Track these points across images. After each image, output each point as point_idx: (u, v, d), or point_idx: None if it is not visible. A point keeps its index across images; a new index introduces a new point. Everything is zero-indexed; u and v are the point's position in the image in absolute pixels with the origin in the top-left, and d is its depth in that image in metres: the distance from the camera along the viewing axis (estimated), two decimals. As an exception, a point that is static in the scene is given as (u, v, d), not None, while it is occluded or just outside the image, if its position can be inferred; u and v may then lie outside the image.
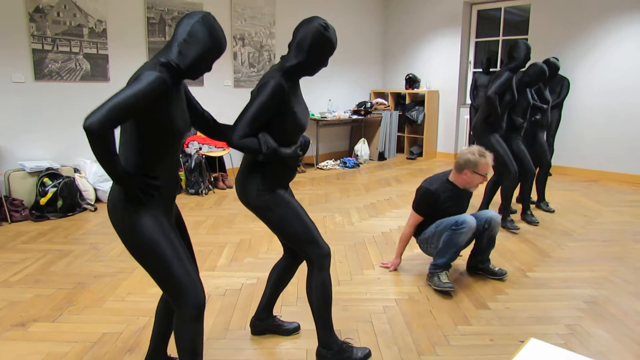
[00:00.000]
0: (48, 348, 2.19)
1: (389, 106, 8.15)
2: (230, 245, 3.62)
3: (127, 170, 1.51)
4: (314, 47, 1.88)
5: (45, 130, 4.62)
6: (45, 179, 4.34)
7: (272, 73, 1.90)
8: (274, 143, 1.87)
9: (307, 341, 2.27)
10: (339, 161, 7.23)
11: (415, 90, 7.96)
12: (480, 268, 3.11)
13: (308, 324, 2.42)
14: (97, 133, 1.35)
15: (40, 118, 4.57)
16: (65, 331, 2.34)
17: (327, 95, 7.33)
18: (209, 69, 1.65)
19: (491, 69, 7.39)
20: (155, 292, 2.77)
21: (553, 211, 4.68)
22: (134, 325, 2.40)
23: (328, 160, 7.21)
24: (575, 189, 5.72)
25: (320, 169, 6.95)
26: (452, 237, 2.80)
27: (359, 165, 7.22)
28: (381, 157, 7.84)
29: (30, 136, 4.53)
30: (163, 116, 1.53)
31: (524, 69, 4.17)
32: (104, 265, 3.17)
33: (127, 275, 3.03)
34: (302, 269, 3.09)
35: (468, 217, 2.82)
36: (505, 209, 4.11)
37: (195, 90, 5.77)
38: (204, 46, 1.59)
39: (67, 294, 2.74)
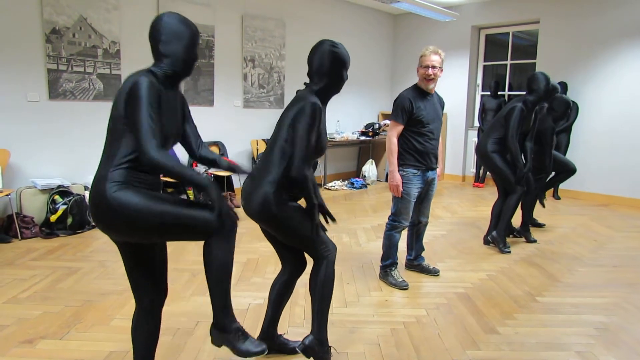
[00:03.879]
0: (55, 366, 2.19)
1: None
2: (238, 265, 3.61)
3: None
4: (332, 68, 2.03)
5: (58, 148, 4.70)
6: (56, 197, 4.39)
7: (304, 95, 2.00)
8: (320, 197, 2.04)
9: (314, 364, 2.25)
10: (346, 182, 7.24)
11: (423, 112, 8.00)
12: (415, 265, 3.50)
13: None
14: (160, 158, 1.47)
15: (53, 136, 4.65)
16: (72, 349, 2.34)
17: (335, 116, 7.39)
18: (196, 57, 1.72)
19: (499, 92, 7.43)
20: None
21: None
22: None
23: (336, 181, 7.23)
24: (585, 214, 5.68)
25: (328, 189, 6.97)
26: (392, 238, 3.25)
27: (366, 186, 7.22)
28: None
29: (42, 154, 4.60)
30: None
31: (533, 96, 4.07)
32: (112, 283, 3.18)
33: (135, 294, 3.03)
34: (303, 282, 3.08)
35: (409, 219, 3.23)
36: (500, 228, 4.06)
37: (205, 111, 5.85)
38: (185, 36, 1.66)
39: (74, 311, 2.75)
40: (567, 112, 4.35)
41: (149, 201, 1.57)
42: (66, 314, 2.70)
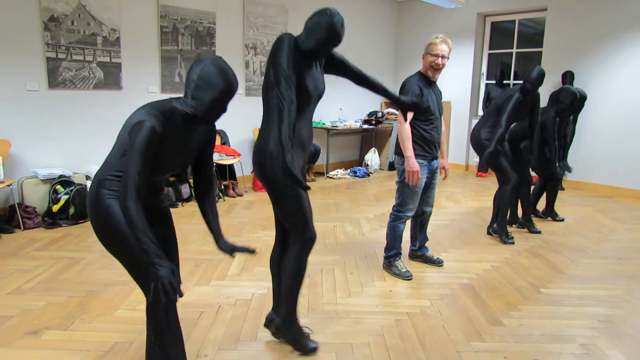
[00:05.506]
0: (60, 357, 2.19)
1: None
2: (241, 254, 3.61)
3: None
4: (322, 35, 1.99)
5: (58, 137, 4.67)
6: (58, 186, 4.37)
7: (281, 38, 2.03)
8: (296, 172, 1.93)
9: (319, 354, 2.25)
10: (349, 170, 7.22)
11: (426, 101, 7.94)
12: (419, 255, 3.49)
13: (320, 336, 2.39)
14: (132, 211, 1.49)
15: (53, 126, 4.62)
16: (77, 340, 2.34)
17: (338, 104, 7.33)
18: (224, 109, 1.69)
19: (505, 81, 7.36)
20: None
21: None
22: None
23: (338, 170, 7.20)
24: (589, 205, 5.66)
25: (331, 177, 6.94)
26: (396, 229, 3.23)
27: (369, 175, 7.20)
28: (391, 167, 7.82)
29: (43, 144, 4.57)
30: (153, 157, 1.60)
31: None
32: (115, 273, 3.17)
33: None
34: (311, 268, 3.08)
35: (415, 208, 3.19)
36: (500, 219, 4.04)
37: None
38: (217, 89, 1.62)
39: (78, 302, 2.75)
40: (573, 104, 4.25)
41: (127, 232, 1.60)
42: (70, 305, 2.70)
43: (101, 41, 4.87)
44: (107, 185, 1.66)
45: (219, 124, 5.94)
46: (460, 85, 7.71)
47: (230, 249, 1.88)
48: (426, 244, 3.55)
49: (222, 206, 5.12)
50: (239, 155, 5.78)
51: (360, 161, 7.99)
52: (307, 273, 2.26)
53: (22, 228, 4.14)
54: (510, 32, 7.46)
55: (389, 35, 8.44)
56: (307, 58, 2.04)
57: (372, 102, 8.26)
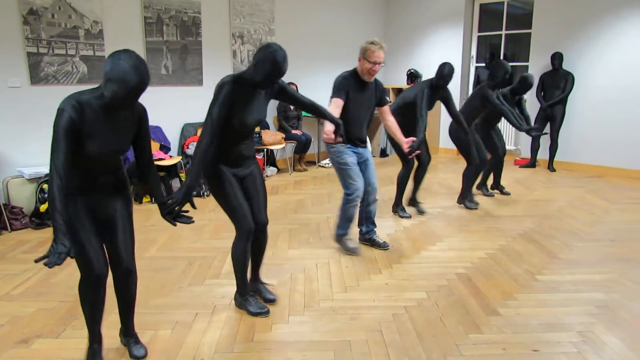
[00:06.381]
0: (52, 366, 2.14)
1: (390, 102, 8.07)
2: (234, 251, 3.56)
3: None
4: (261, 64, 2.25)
5: (43, 135, 4.54)
6: (45, 185, 4.27)
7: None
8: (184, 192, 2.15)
9: (317, 354, 2.23)
10: (340, 159, 7.15)
11: (417, 86, 7.88)
12: (367, 239, 3.65)
13: (317, 335, 2.37)
14: (51, 185, 1.70)
15: (37, 123, 4.49)
16: (69, 347, 2.29)
17: (327, 93, 7.22)
18: (134, 100, 1.80)
19: (493, 64, 7.31)
20: (157, 304, 2.72)
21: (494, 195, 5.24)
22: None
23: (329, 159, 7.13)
24: (581, 185, 5.67)
25: (322, 167, 6.89)
26: (346, 211, 3.39)
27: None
28: (383, 153, 7.78)
29: (28, 142, 4.46)
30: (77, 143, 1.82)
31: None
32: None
33: (131, 285, 2.98)
34: (302, 267, 3.05)
35: (359, 186, 3.32)
36: (464, 192, 4.72)
37: (194, 91, 5.70)
38: (123, 84, 1.73)
39: (69, 307, 2.69)
40: (505, 77, 4.41)
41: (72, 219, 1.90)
42: (61, 311, 2.65)
43: (83, 34, 4.73)
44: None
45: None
46: (450, 69, 7.63)
47: (173, 218, 2.09)
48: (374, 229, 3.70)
49: (213, 200, 5.03)
50: (229, 147, 5.69)
51: (351, 148, 7.92)
52: (246, 260, 2.56)
53: (9, 229, 4.05)
54: (499, 14, 7.39)
55: (377, 21, 8.31)
56: (254, 87, 2.33)
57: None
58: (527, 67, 6.99)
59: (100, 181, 1.97)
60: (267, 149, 6.03)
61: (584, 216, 4.43)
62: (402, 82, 8.21)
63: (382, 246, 3.60)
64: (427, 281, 3.03)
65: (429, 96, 4.01)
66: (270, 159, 6.46)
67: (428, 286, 2.95)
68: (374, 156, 7.62)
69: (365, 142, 3.46)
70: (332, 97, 3.24)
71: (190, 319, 2.55)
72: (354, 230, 3.64)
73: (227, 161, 2.42)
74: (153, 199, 2.15)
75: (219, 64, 5.95)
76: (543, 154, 6.73)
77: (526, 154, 7.05)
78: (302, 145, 6.46)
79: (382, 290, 2.91)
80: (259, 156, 5.99)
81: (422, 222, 4.26)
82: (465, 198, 4.74)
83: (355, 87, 3.23)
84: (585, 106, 6.44)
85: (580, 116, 6.50)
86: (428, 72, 7.91)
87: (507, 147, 7.33)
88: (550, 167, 6.56)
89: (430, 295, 2.83)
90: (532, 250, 3.55)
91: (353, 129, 3.32)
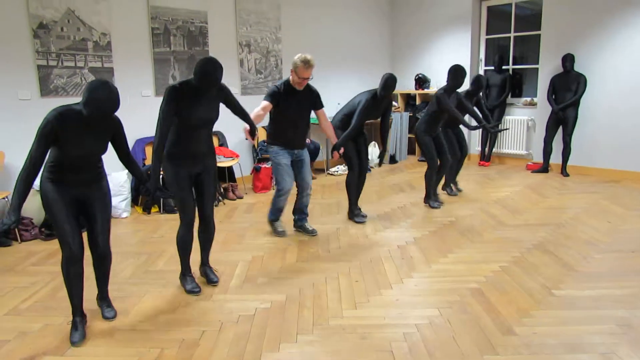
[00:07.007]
0: (57, 389, 2.11)
1: (399, 108, 8.01)
2: (243, 264, 3.52)
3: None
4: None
5: (53, 146, 4.56)
6: (54, 197, 4.28)
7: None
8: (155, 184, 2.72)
9: (326, 376, 2.17)
10: (350, 166, 7.09)
11: (426, 91, 7.80)
12: (299, 225, 4.18)
13: (326, 356, 2.31)
14: (19, 179, 2.20)
15: (47, 135, 4.50)
16: (74, 368, 2.26)
17: (335, 99, 7.19)
18: (108, 116, 2.31)
19: (503, 67, 7.21)
20: (164, 320, 2.69)
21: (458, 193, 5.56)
22: (146, 358, 2.31)
23: (339, 166, 7.09)
24: (596, 191, 5.54)
25: (331, 174, 6.84)
26: (276, 202, 4.00)
27: (369, 170, 7.08)
28: (392, 160, 7.71)
29: (37, 153, 4.46)
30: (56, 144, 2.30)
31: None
32: (114, 289, 3.08)
33: (138, 300, 2.95)
34: (310, 282, 2.99)
35: (287, 184, 3.86)
36: (428, 193, 5.03)
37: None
38: (94, 107, 2.22)
39: (76, 324, 2.66)
40: (456, 78, 4.67)
41: (53, 202, 2.37)
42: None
43: (92, 46, 4.74)
44: (45, 171, 2.38)
45: (216, 125, 5.81)
46: (460, 74, 7.54)
47: (152, 198, 2.74)
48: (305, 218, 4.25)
49: (222, 210, 5.03)
50: (237, 156, 5.68)
51: (361, 155, 7.86)
52: (185, 245, 3.03)
53: (19, 240, 4.06)
54: (507, 16, 7.28)
55: (384, 26, 8.26)
56: (198, 90, 2.76)
57: (371, 94, 8.10)
58: (537, 69, 6.87)
59: (81, 176, 2.43)
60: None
61: (600, 224, 4.31)
62: (411, 88, 8.13)
63: (311, 232, 4.11)
64: (439, 297, 2.95)
65: (371, 106, 4.26)
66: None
67: (440, 302, 2.87)
68: (384, 163, 7.56)
69: (303, 145, 3.97)
70: (263, 99, 3.74)
71: (197, 337, 2.51)
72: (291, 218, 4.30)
73: (180, 156, 2.82)
74: (142, 189, 2.96)
75: (227, 72, 5.92)
76: (556, 158, 6.60)
77: (538, 158, 6.92)
78: (311, 153, 6.42)
79: (393, 306, 2.83)
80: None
81: (432, 233, 4.18)
82: (430, 198, 5.02)
83: (286, 94, 3.73)
84: (599, 108, 6.30)
85: (593, 119, 6.36)
86: (436, 77, 7.83)
87: (518, 151, 7.23)
88: (564, 171, 6.43)
89: (442, 312, 2.75)
90: (548, 262, 3.45)
91: (287, 131, 3.84)
